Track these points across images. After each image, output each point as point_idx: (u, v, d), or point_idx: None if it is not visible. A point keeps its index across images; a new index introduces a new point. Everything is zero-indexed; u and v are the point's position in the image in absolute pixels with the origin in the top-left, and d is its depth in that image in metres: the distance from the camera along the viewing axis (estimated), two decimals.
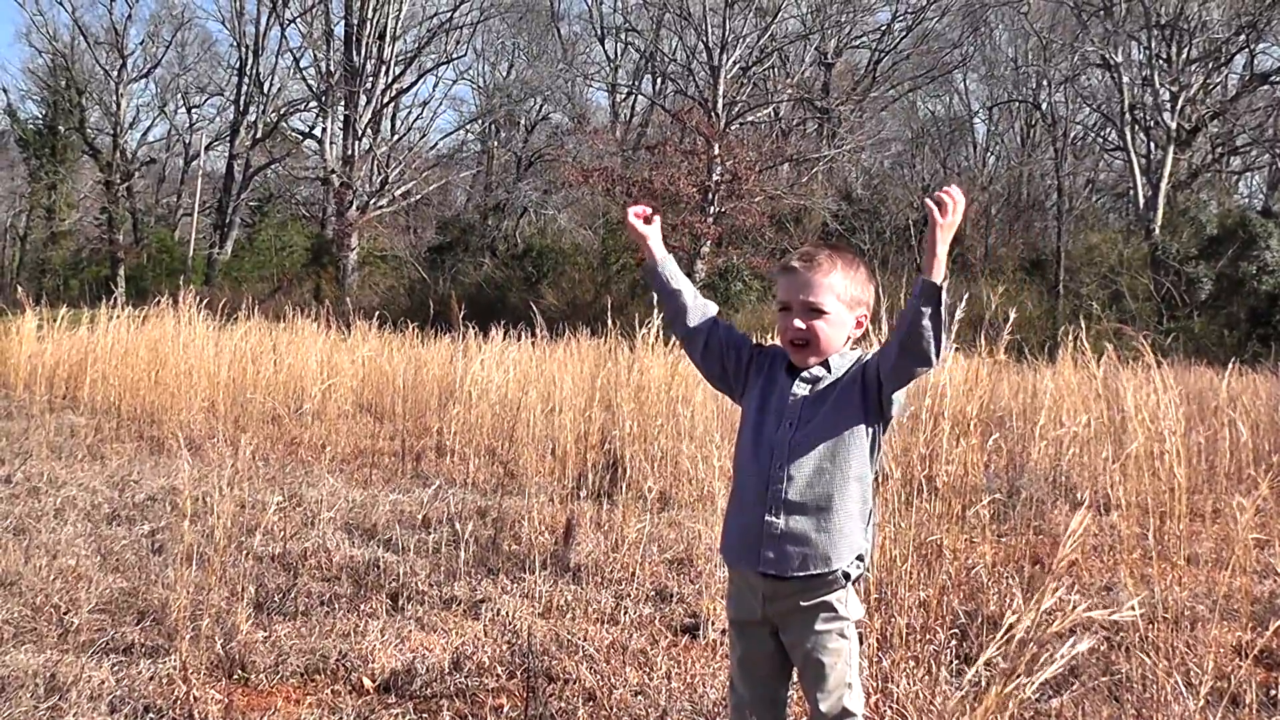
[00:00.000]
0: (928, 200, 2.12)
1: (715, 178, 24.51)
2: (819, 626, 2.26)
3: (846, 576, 2.26)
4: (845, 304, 2.29)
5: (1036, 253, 28.78)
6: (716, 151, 24.53)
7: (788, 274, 2.35)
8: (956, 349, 4.13)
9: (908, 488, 3.90)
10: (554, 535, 5.08)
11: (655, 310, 6.90)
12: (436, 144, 39.02)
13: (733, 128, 27.05)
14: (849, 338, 2.35)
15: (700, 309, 2.45)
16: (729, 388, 2.47)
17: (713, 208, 24.47)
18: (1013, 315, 4.06)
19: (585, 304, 23.70)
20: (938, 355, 2.12)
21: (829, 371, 2.31)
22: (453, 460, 7.47)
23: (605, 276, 26.60)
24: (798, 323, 2.29)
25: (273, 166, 36.60)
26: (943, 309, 2.10)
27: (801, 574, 2.23)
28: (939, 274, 2.10)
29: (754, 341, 2.47)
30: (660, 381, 6.82)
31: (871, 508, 2.32)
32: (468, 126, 39.66)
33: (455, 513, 5.61)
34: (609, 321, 7.50)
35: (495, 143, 37.60)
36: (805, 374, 2.33)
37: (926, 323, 2.10)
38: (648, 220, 2.51)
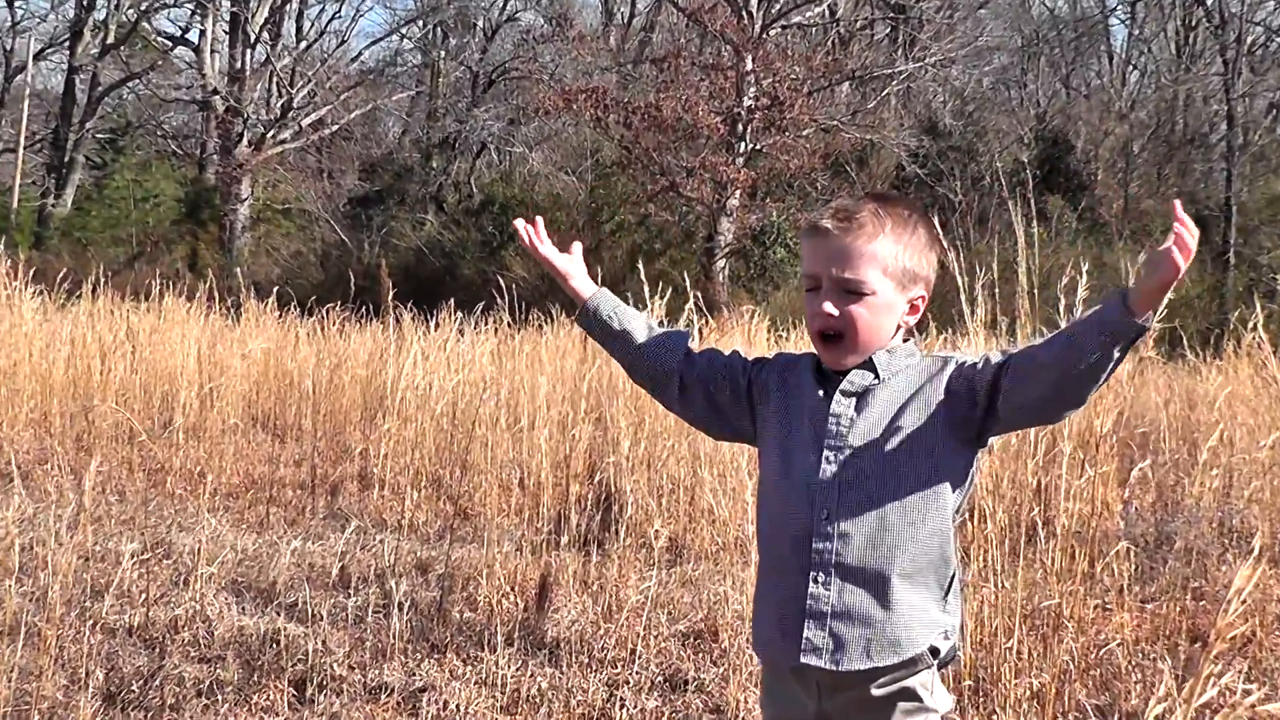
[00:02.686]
0: (1177, 227, 2.02)
1: (748, 103, 24.51)
2: None
3: (934, 653, 2.26)
4: (895, 281, 2.26)
5: (1196, 206, 28.73)
6: (750, 66, 24.52)
7: (816, 237, 2.31)
8: None
9: (1014, 533, 3.90)
10: (523, 598, 5.09)
11: (659, 290, 6.92)
12: (360, 55, 39.11)
13: (772, 33, 27.01)
14: (900, 326, 2.32)
15: (665, 345, 2.48)
16: (735, 431, 2.50)
17: (744, 144, 24.47)
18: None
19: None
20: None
21: (877, 377, 2.29)
22: (382, 494, 7.48)
23: (595, 239, 26.63)
24: (829, 307, 2.25)
25: (131, 84, 36.62)
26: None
27: (863, 667, 2.23)
28: (1151, 316, 2.11)
29: (751, 358, 2.48)
30: None
31: (956, 567, 2.32)
32: (404, 31, 39.73)
33: (386, 567, 5.61)
34: None
35: (442, 54, 37.62)
36: (847, 385, 2.30)
37: (1111, 366, 2.14)
38: (563, 248, 2.58)
